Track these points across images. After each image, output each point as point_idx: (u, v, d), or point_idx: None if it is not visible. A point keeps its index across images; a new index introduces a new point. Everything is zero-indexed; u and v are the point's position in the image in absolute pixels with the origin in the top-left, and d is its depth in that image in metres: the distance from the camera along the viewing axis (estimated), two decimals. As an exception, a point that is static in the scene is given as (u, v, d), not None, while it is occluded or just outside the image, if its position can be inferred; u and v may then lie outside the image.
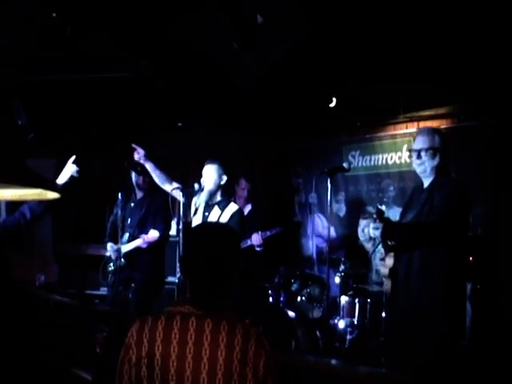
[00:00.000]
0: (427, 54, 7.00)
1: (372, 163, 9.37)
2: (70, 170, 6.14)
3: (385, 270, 5.06)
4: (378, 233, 4.88)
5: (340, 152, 9.76)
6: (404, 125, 8.94)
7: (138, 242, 7.39)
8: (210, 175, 6.68)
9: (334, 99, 8.68)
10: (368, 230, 7.98)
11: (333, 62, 7.41)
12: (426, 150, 5.01)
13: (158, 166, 7.08)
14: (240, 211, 6.84)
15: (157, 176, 6.99)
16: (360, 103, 8.74)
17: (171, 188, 6.83)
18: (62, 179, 6.05)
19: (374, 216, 4.86)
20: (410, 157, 8.19)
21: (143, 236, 7.32)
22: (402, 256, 4.98)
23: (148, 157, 6.99)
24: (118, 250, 7.49)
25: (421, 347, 4.76)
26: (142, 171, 7.44)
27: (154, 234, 7.30)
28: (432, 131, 5.26)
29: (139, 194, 7.70)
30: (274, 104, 8.91)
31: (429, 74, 7.42)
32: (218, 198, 6.77)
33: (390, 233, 4.91)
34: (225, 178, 6.75)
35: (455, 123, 8.30)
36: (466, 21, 6.24)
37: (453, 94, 7.94)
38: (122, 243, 7.46)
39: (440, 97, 8.14)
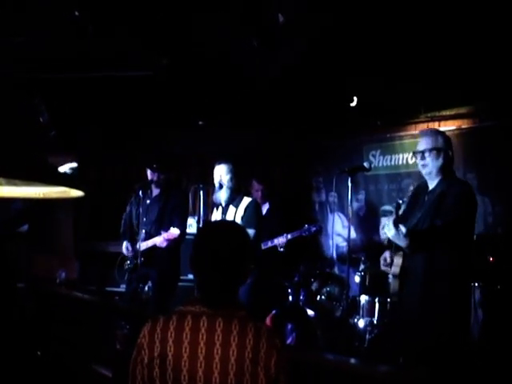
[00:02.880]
0: (448, 54, 6.98)
1: (392, 163, 9.36)
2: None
3: (395, 270, 5.05)
4: (390, 233, 4.82)
5: (360, 151, 9.75)
6: (425, 124, 8.91)
7: (156, 240, 7.35)
8: (224, 174, 6.71)
9: (355, 98, 8.66)
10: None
11: (354, 62, 7.39)
12: (430, 150, 5.02)
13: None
14: (254, 202, 6.84)
15: None
16: (381, 103, 8.72)
17: None
18: None
19: (393, 210, 4.84)
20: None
21: (163, 233, 7.23)
22: (410, 255, 4.96)
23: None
24: (135, 250, 7.52)
25: (426, 347, 4.76)
26: (158, 168, 7.48)
27: (174, 232, 7.19)
28: (435, 132, 5.31)
29: (155, 191, 7.68)
30: (295, 103, 8.91)
31: (450, 73, 7.39)
32: (234, 197, 6.78)
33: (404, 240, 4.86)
34: (237, 176, 6.78)
35: (476, 123, 8.27)
36: (487, 22, 6.22)
37: (473, 94, 7.91)
38: (141, 240, 7.46)
39: (461, 97, 8.12)
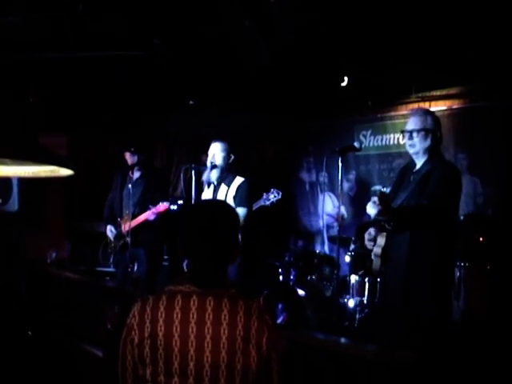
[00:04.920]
0: (439, 34, 6.97)
1: (383, 143, 9.37)
2: None
3: (377, 250, 5.05)
4: (373, 211, 4.87)
5: (351, 131, 9.76)
6: (416, 105, 8.91)
7: (145, 215, 7.49)
8: (218, 153, 6.69)
9: (346, 78, 8.65)
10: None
11: (345, 42, 7.38)
12: (418, 131, 4.99)
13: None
14: (246, 181, 6.81)
15: None
16: (372, 83, 8.72)
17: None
18: None
19: (376, 198, 4.84)
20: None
21: (152, 208, 7.40)
22: (394, 236, 4.97)
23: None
24: (118, 231, 7.72)
25: (409, 328, 4.78)
26: (136, 150, 7.57)
27: (163, 206, 7.37)
28: (424, 112, 5.24)
29: (136, 174, 7.81)
30: (286, 83, 8.89)
31: (441, 54, 7.39)
32: (226, 175, 6.76)
33: (388, 216, 4.91)
34: (232, 156, 6.76)
35: (467, 103, 8.29)
36: (478, 4, 6.22)
37: (465, 74, 7.92)
38: (124, 223, 7.67)
39: (452, 77, 8.12)
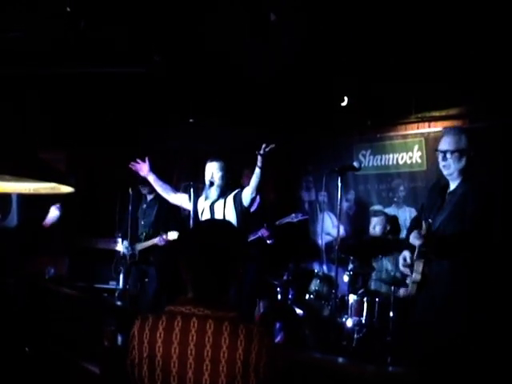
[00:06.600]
0: (439, 55, 7.00)
1: (382, 163, 9.36)
2: (53, 214, 7.48)
3: (417, 276, 4.90)
4: (418, 242, 4.78)
5: (351, 151, 9.75)
6: (415, 125, 8.92)
7: (155, 240, 7.90)
8: (216, 172, 6.68)
9: (346, 98, 8.68)
10: (378, 228, 7.99)
11: (345, 62, 7.41)
12: (452, 152, 4.87)
13: (161, 177, 7.27)
14: (239, 191, 6.77)
15: (160, 187, 7.16)
16: (372, 103, 8.74)
17: (176, 197, 7.01)
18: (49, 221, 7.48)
19: (423, 230, 4.75)
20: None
21: (163, 235, 7.82)
22: (432, 263, 4.84)
23: (151, 169, 7.16)
24: (133, 248, 8.10)
25: (441, 352, 4.69)
26: (146, 185, 7.87)
27: (173, 235, 7.78)
28: (459, 132, 5.10)
29: (149, 196, 8.27)
30: (286, 102, 8.92)
31: (440, 74, 7.42)
32: (225, 192, 6.75)
33: (433, 247, 4.80)
34: (228, 174, 6.77)
35: (466, 124, 8.28)
36: (477, 22, 6.24)
37: (464, 95, 7.93)
38: (140, 241, 8.08)
39: (451, 97, 8.13)
